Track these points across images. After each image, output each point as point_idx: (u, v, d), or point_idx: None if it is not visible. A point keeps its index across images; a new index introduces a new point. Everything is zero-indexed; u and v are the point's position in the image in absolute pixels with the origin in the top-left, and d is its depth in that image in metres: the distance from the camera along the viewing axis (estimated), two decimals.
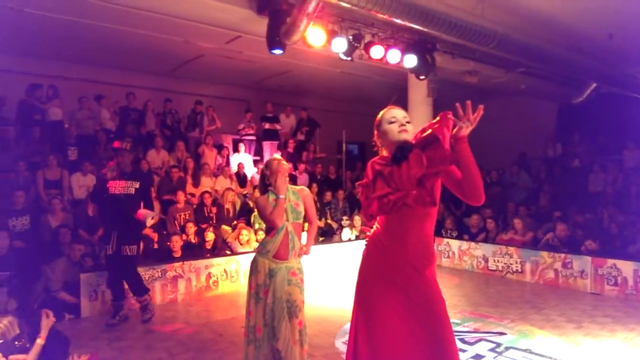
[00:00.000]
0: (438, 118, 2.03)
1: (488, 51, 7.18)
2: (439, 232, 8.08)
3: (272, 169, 3.18)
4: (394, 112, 2.16)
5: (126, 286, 5.03)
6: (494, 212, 8.20)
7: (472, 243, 7.52)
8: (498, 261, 7.10)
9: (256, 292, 3.11)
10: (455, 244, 7.75)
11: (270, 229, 3.13)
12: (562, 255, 6.43)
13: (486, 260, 7.27)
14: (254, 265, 3.18)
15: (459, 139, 1.97)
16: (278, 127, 10.13)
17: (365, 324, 2.11)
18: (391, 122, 2.14)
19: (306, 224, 3.53)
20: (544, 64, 7.94)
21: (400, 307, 2.03)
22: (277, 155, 3.46)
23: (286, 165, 3.24)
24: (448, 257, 7.82)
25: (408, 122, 2.14)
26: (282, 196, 3.07)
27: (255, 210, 6.76)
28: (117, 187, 4.82)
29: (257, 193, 5.92)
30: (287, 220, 3.12)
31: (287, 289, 3.04)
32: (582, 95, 9.70)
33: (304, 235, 3.50)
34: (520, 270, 6.84)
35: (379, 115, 2.22)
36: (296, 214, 3.15)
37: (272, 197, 3.13)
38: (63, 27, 6.68)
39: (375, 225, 2.23)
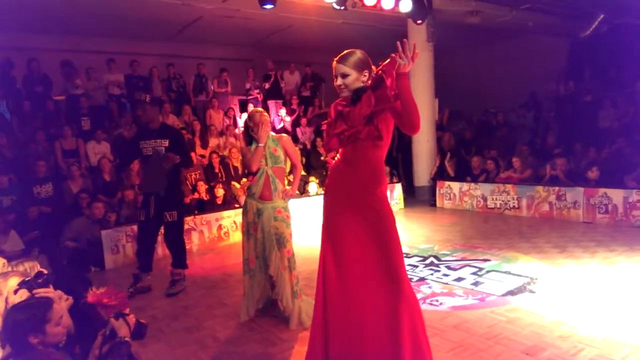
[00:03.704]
0: (388, 60, 2.27)
1: None
2: (440, 176, 8.32)
3: (255, 121, 3.49)
4: (335, 68, 2.39)
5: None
6: (500, 154, 8.34)
7: (472, 184, 7.76)
8: (496, 199, 7.36)
9: (247, 229, 3.53)
10: (456, 186, 8.00)
11: (253, 174, 3.47)
12: (556, 188, 6.65)
13: (485, 200, 7.53)
14: (245, 206, 3.58)
15: (400, 75, 2.21)
16: (281, 84, 10.28)
17: (330, 240, 2.45)
18: (335, 78, 2.39)
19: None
20: None
21: (355, 223, 2.37)
22: (259, 108, 3.77)
23: (267, 117, 3.54)
24: (450, 199, 8.09)
25: (345, 76, 2.35)
26: (260, 144, 3.39)
27: None
28: (147, 147, 4.45)
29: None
30: (267, 165, 3.46)
31: (274, 224, 3.43)
32: (590, 27, 9.47)
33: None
34: (517, 206, 7.10)
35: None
36: (274, 159, 3.49)
37: (254, 146, 3.46)
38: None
39: (337, 156, 2.54)
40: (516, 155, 7.97)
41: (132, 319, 2.28)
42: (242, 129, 8.84)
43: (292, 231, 3.53)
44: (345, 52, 2.41)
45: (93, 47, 8.97)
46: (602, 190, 6.13)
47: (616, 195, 6.00)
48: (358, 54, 2.40)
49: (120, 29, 8.88)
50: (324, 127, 2.59)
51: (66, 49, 8.57)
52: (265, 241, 3.45)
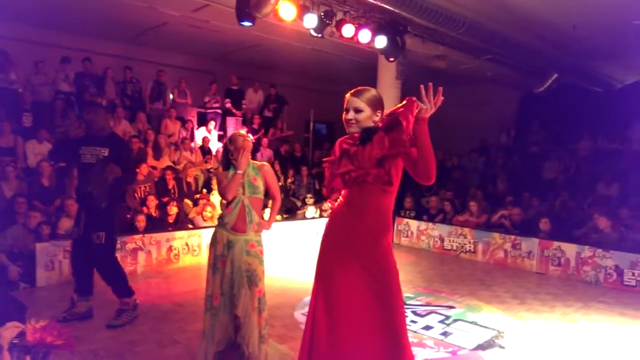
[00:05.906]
0: (404, 102, 2.13)
1: (457, 36, 7.30)
2: (398, 213, 8.32)
3: (237, 145, 3.19)
4: (349, 101, 2.23)
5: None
6: (455, 195, 8.51)
7: (430, 224, 7.81)
8: (453, 241, 7.42)
9: (214, 262, 3.18)
10: (414, 224, 8.01)
11: (228, 203, 3.18)
12: (512, 236, 6.79)
13: (442, 240, 7.58)
14: (214, 237, 3.24)
15: (420, 121, 2.06)
16: (238, 113, 9.95)
17: (324, 291, 2.22)
18: (346, 111, 2.23)
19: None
20: (509, 52, 8.15)
21: (355, 274, 2.16)
22: (242, 131, 3.49)
23: (250, 143, 3.27)
24: (407, 236, 8.08)
25: (358, 111, 2.19)
26: (239, 172, 3.11)
27: None
28: (87, 153, 3.93)
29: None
30: (244, 195, 3.17)
31: (246, 260, 3.11)
32: (544, 85, 10.03)
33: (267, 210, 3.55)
34: (473, 250, 7.18)
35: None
36: (253, 189, 3.20)
37: (232, 172, 3.16)
38: None
39: (340, 198, 2.34)
40: (471, 198, 8.16)
41: None
42: (220, 150, 8.48)
43: (265, 269, 3.25)
44: (360, 87, 2.27)
45: (44, 39, 8.25)
46: (556, 244, 6.32)
47: (569, 250, 6.20)
48: (373, 91, 2.26)
49: (76, 23, 8.22)
50: (326, 164, 2.39)
51: (13, 37, 7.81)
52: (234, 277, 3.13)
